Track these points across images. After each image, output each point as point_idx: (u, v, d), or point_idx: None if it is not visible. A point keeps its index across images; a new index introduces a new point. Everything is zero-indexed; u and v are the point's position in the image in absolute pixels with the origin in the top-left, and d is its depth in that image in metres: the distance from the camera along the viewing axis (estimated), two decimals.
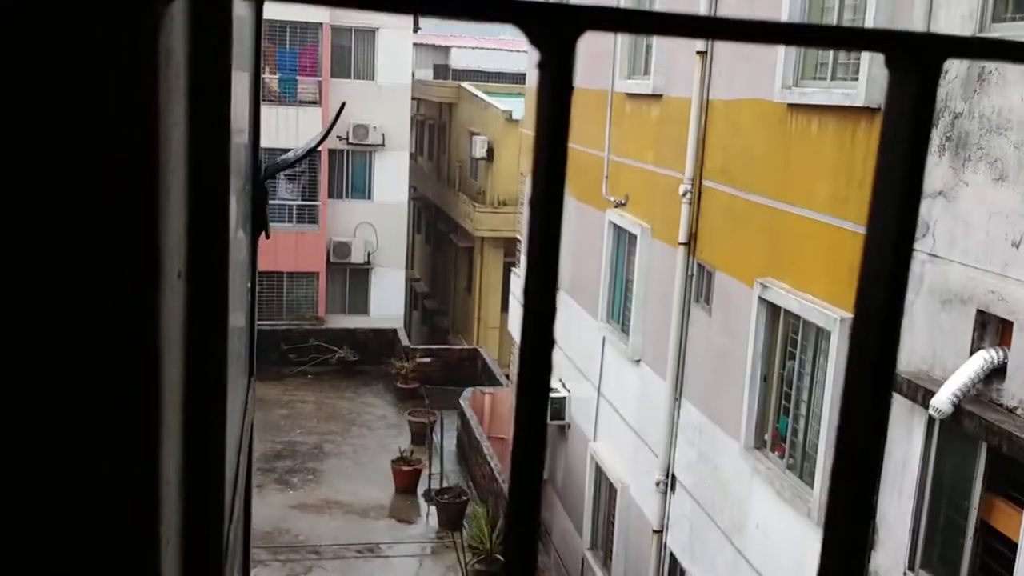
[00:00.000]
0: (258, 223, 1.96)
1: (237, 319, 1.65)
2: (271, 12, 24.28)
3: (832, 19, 8.20)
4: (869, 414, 0.45)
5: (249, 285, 2.00)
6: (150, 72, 0.51)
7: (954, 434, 6.49)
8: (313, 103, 25.34)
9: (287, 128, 24.48)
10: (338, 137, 25.83)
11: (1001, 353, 6.07)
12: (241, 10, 1.60)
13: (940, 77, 0.45)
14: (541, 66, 0.36)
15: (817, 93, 8.19)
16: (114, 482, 0.59)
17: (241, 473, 1.67)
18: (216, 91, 0.90)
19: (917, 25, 6.82)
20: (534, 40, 0.36)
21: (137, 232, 0.55)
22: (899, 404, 6.95)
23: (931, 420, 6.57)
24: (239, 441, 1.59)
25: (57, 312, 0.54)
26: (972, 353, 6.23)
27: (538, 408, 0.40)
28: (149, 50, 0.51)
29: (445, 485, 17.43)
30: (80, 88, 0.50)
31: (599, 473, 13.33)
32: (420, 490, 17.92)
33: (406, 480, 17.94)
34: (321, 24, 25.33)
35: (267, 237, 2.04)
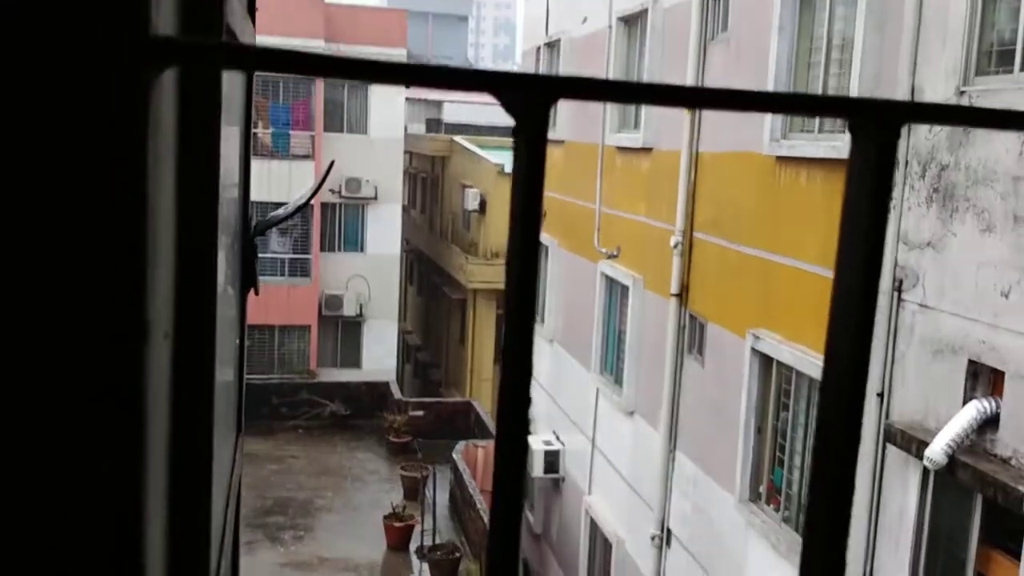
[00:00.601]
0: (247, 279, 1.97)
1: (225, 375, 1.65)
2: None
3: (819, 74, 8.32)
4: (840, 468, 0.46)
5: (238, 341, 2.00)
6: (139, 139, 0.52)
7: (949, 485, 6.46)
8: (306, 157, 25.51)
9: (280, 182, 24.61)
10: (331, 190, 25.96)
11: (994, 403, 6.07)
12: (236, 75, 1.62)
13: (899, 142, 0.47)
14: (515, 132, 0.37)
15: (805, 146, 8.28)
16: (97, 545, 0.58)
17: (228, 531, 1.65)
18: (204, 155, 0.92)
19: (902, 79, 6.92)
20: (508, 108, 0.37)
21: (123, 296, 0.55)
22: (893, 455, 6.92)
23: (926, 471, 6.54)
24: (226, 499, 1.57)
25: (42, 372, 0.55)
26: (965, 403, 6.23)
27: (517, 457, 0.40)
28: (139, 117, 0.52)
29: (438, 541, 17.21)
30: (68, 154, 0.51)
31: (594, 527, 13.20)
32: (412, 546, 17.69)
33: (398, 536, 17.71)
34: (314, 79, 25.60)
35: (256, 294, 2.04)
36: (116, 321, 0.55)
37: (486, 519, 16.34)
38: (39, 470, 0.56)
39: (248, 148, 2.03)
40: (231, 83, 1.59)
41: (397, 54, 26.74)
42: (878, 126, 0.46)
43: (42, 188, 0.51)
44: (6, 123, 0.50)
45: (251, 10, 2.01)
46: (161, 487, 0.83)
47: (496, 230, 25.42)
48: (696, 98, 0.43)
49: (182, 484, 0.93)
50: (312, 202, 25.14)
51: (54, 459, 0.56)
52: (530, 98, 0.36)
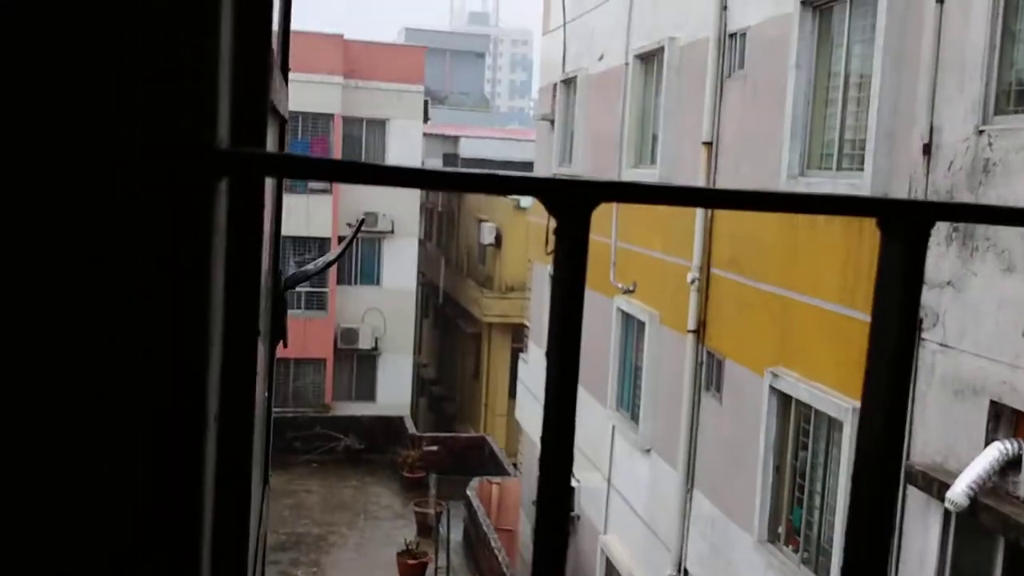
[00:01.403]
0: (277, 333, 1.98)
1: (258, 431, 1.65)
2: None
3: (836, 111, 8.32)
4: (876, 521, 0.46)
5: (266, 394, 2.00)
6: (204, 242, 0.58)
7: (971, 528, 6.36)
8: (324, 192, 25.69)
9: (298, 216, 24.77)
10: (348, 224, 26.10)
11: (1016, 444, 5.99)
12: (273, 138, 1.65)
13: (928, 240, 0.48)
14: (558, 233, 0.36)
15: (823, 183, 8.26)
16: None
17: None
18: (249, 251, 0.99)
19: (920, 118, 6.91)
20: (552, 210, 0.36)
21: (187, 381, 0.60)
22: (914, 496, 6.82)
23: (947, 513, 6.44)
24: (254, 556, 1.58)
25: (123, 466, 0.59)
26: (987, 444, 6.15)
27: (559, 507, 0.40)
28: (204, 223, 0.57)
29: None
30: (142, 261, 0.57)
31: (610, 567, 13.06)
32: None
33: (411, 573, 17.57)
34: (332, 115, 25.84)
35: (285, 346, 2.06)
36: (181, 408, 0.59)
37: (500, 557, 16.21)
38: (111, 560, 0.59)
39: (280, 201, 2.05)
40: (273, 139, 1.61)
41: (415, 90, 26.98)
42: (909, 225, 0.47)
43: (124, 292, 0.56)
44: (101, 229, 0.55)
45: (284, 70, 2.04)
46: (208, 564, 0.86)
47: (511, 264, 25.45)
48: (730, 200, 0.43)
49: (222, 556, 0.96)
50: (328, 235, 25.28)
51: (118, 549, 0.59)
52: (573, 203, 0.36)
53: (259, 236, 1.01)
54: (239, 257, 0.93)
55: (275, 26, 2.05)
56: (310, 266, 3.28)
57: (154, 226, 0.55)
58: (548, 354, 0.39)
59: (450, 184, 0.38)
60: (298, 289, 26.09)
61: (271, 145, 1.48)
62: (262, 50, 1.00)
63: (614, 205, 13.03)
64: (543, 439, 0.39)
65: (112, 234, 0.55)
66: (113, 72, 0.53)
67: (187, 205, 0.55)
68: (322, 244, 25.49)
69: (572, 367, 0.38)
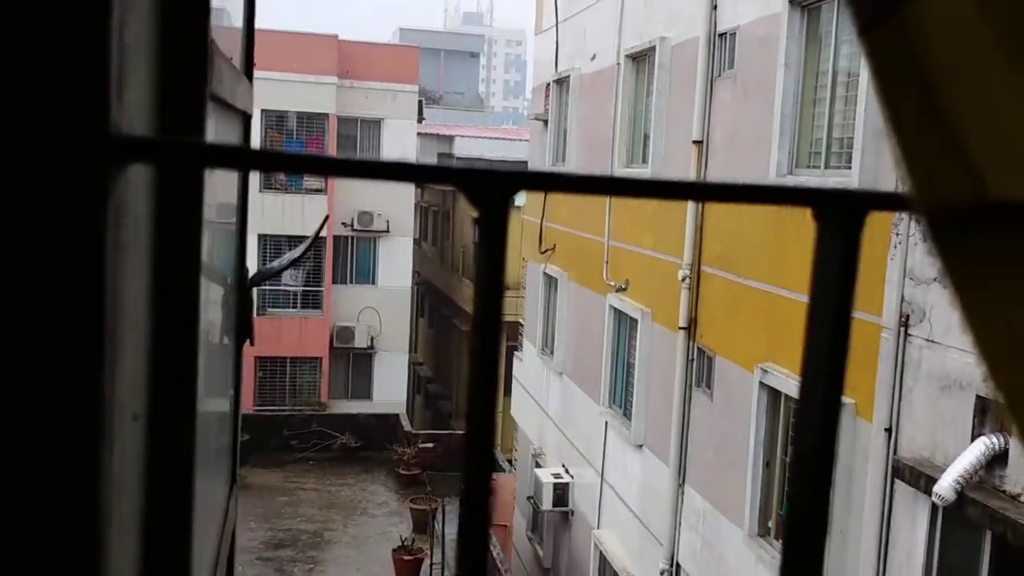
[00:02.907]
0: (243, 332, 2.02)
1: (218, 430, 1.68)
2: (278, 103, 24.82)
3: (824, 110, 8.40)
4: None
5: (232, 392, 2.04)
6: (96, 230, 0.54)
7: (958, 522, 6.43)
8: (319, 191, 25.70)
9: (293, 216, 24.78)
10: (343, 224, 26.12)
11: (1003, 439, 6.06)
12: (230, 133, 1.66)
13: (862, 230, 0.48)
14: (478, 223, 0.42)
15: (812, 181, 8.34)
16: None
17: None
18: (182, 244, 0.95)
19: None
20: (471, 200, 0.42)
21: (79, 380, 0.55)
22: (902, 491, 6.90)
23: (934, 507, 6.52)
24: (216, 552, 1.59)
25: None
26: (973, 439, 6.22)
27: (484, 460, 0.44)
28: (95, 218, 0.53)
29: (447, 575, 17.12)
30: (25, 246, 0.53)
31: (603, 561, 13.12)
32: None
33: (407, 570, 17.62)
34: (327, 115, 25.86)
35: (251, 344, 2.09)
36: (72, 401, 0.55)
37: (495, 553, 16.27)
38: None
39: (245, 193, 2.09)
40: (229, 134, 1.63)
41: (409, 90, 27.00)
42: (845, 214, 0.47)
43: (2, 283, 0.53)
44: None
45: (248, 68, 2.07)
46: (133, 567, 0.85)
47: (506, 263, 25.47)
48: (657, 190, 0.46)
49: (159, 560, 0.94)
50: (324, 234, 25.28)
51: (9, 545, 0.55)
52: (492, 192, 0.42)
53: (191, 228, 0.97)
54: (171, 249, 0.91)
55: (237, 23, 2.07)
56: (275, 264, 3.32)
57: (33, 213, 0.52)
58: (470, 349, 0.44)
59: (364, 173, 0.42)
60: (293, 288, 26.11)
61: (223, 140, 1.46)
62: (197, 39, 0.98)
63: (607, 204, 13.09)
64: (467, 416, 0.44)
65: None
66: None
67: (73, 192, 0.52)
68: (317, 243, 25.51)
69: (492, 360, 0.43)
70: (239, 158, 0.56)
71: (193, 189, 0.97)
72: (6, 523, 0.54)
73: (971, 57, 0.39)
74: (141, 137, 0.70)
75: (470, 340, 0.43)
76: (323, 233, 25.36)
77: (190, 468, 1.00)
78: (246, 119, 1.94)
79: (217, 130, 1.34)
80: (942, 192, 0.42)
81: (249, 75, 2.06)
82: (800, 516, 0.49)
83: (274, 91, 23.83)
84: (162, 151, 0.53)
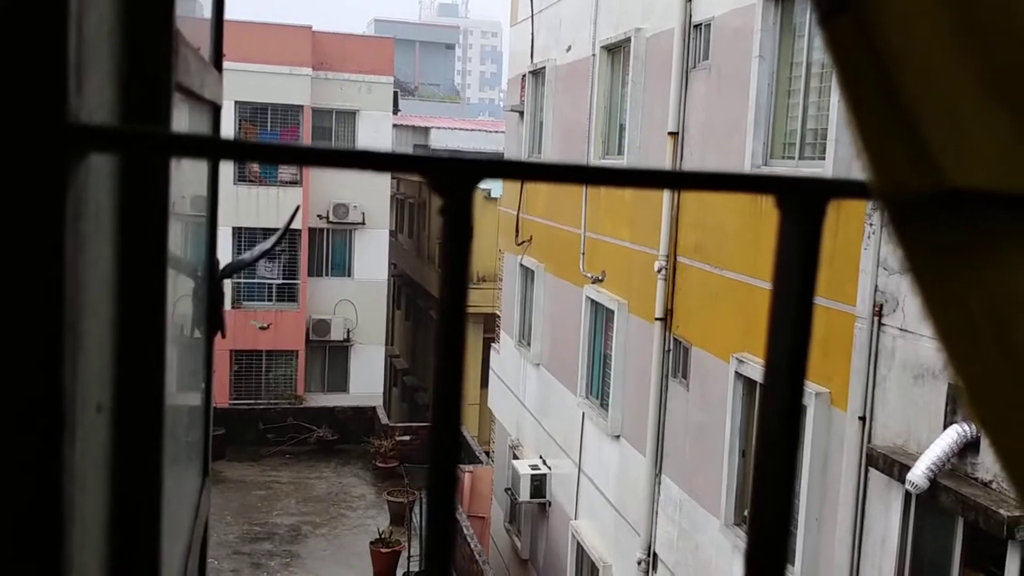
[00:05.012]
0: (213, 324, 2.00)
1: (188, 421, 1.67)
2: (253, 95, 24.65)
3: (799, 101, 8.44)
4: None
5: (204, 385, 2.03)
6: (54, 219, 0.53)
7: (931, 509, 6.50)
8: (294, 183, 25.56)
9: (268, 208, 24.64)
10: (318, 216, 26.00)
11: (974, 427, 6.13)
12: (200, 124, 1.65)
13: (824, 218, 0.48)
14: (443, 211, 0.42)
15: (786, 171, 8.38)
16: None
17: None
18: (147, 236, 0.94)
19: None
20: (435, 188, 0.41)
21: (35, 374, 0.55)
22: (875, 479, 6.97)
23: (908, 495, 6.58)
24: (187, 547, 1.58)
25: None
26: (946, 427, 6.28)
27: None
28: (54, 209, 0.53)
29: (424, 567, 17.12)
30: None
31: (581, 552, 13.17)
32: (399, 572, 17.60)
33: (385, 562, 17.61)
34: (302, 106, 25.71)
35: (223, 336, 2.07)
36: (32, 393, 0.55)
37: (472, 544, 16.29)
38: None
39: (216, 185, 2.07)
40: (198, 125, 1.62)
41: (384, 81, 26.88)
42: (806, 202, 0.47)
43: None
44: None
45: (217, 59, 2.05)
46: (99, 558, 0.83)
47: (482, 255, 25.47)
48: (619, 178, 0.46)
49: (127, 555, 0.93)
50: (299, 227, 25.17)
51: None
52: (455, 180, 0.41)
53: (156, 218, 0.95)
54: (136, 240, 0.90)
55: (205, 14, 2.06)
56: (246, 255, 3.30)
57: None
58: (435, 335, 0.43)
59: (328, 162, 0.42)
60: (269, 281, 25.97)
61: (191, 130, 1.45)
62: (161, 29, 0.97)
63: (583, 195, 13.10)
64: (432, 406, 0.44)
65: None
66: None
67: (30, 181, 0.52)
68: (292, 235, 25.38)
69: (458, 349, 0.42)
70: (203, 147, 0.55)
71: (158, 179, 0.95)
72: None
73: (927, 47, 0.39)
74: (100, 126, 0.69)
75: (436, 328, 0.43)
76: (298, 226, 25.24)
77: (158, 460, 0.99)
78: (215, 110, 1.92)
79: (184, 120, 1.33)
80: (901, 180, 0.42)
81: (218, 66, 2.04)
82: (765, 501, 0.48)
83: (248, 83, 23.65)
84: (122, 140, 0.52)
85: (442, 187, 0.41)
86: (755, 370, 8.70)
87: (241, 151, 0.41)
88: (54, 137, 0.52)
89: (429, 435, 0.44)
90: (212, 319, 1.96)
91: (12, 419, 0.54)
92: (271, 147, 0.41)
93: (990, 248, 0.41)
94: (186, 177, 1.38)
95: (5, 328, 0.53)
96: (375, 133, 26.70)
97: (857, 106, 0.43)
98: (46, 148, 0.51)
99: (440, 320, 0.42)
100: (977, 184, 0.40)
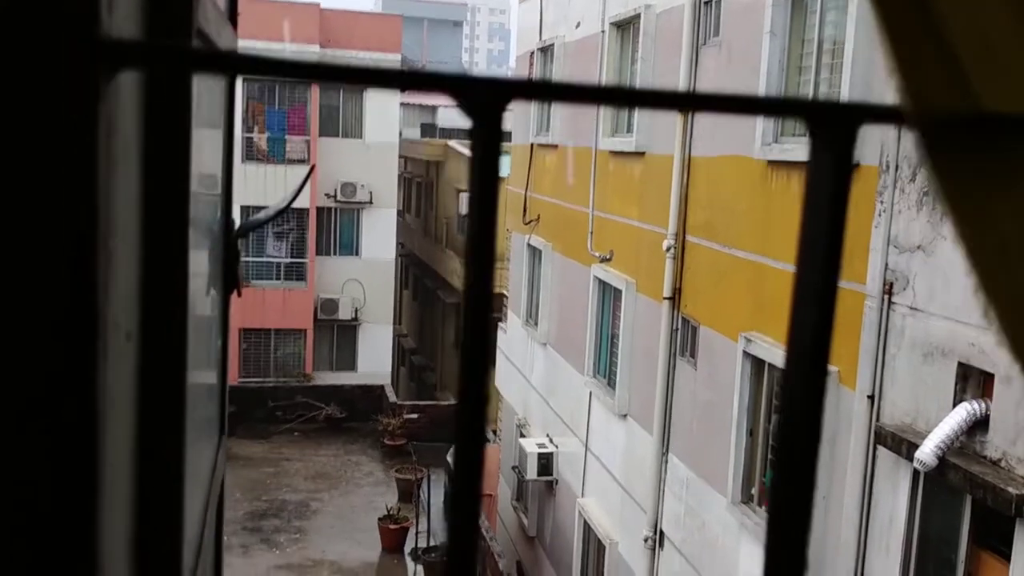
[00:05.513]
0: (229, 282, 2.00)
1: (206, 376, 1.66)
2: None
3: (810, 78, 8.38)
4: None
5: (220, 342, 2.02)
6: (88, 137, 0.53)
7: (939, 487, 6.50)
8: (301, 161, 25.53)
9: (276, 186, 24.63)
10: (326, 195, 25.99)
11: (984, 405, 6.11)
12: (214, 79, 1.64)
13: (856, 142, 0.47)
14: (471, 132, 0.41)
15: (796, 149, 8.33)
16: (48, 556, 0.56)
17: (209, 534, 1.66)
18: (172, 156, 0.93)
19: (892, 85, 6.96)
20: (465, 109, 0.40)
21: (72, 294, 0.55)
22: (884, 457, 6.96)
23: (916, 473, 6.58)
24: (205, 501, 1.58)
25: None
26: (955, 405, 6.27)
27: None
28: (88, 117, 0.53)
29: (433, 543, 17.23)
30: (12, 154, 0.52)
31: (587, 529, 13.23)
32: (407, 548, 17.71)
33: (393, 538, 17.73)
34: (309, 84, 25.60)
35: (239, 295, 2.07)
36: (64, 320, 0.55)
37: (480, 522, 16.36)
38: None
39: (231, 151, 2.06)
40: (212, 87, 1.61)
41: (392, 59, 26.79)
42: (835, 128, 0.45)
43: None
44: None
45: (232, 15, 2.04)
46: (124, 492, 0.83)
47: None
48: (653, 100, 0.45)
49: (151, 488, 0.92)
50: (307, 205, 25.16)
51: None
52: (484, 99, 0.40)
53: (180, 139, 0.95)
54: (159, 165, 0.89)
55: None
56: (260, 215, 3.29)
57: (24, 119, 0.51)
58: (465, 259, 0.42)
59: (352, 78, 0.40)
60: (277, 260, 26.00)
61: (209, 82, 1.44)
62: None
63: (592, 174, 13.06)
64: (462, 346, 0.42)
65: None
66: None
67: (65, 95, 0.51)
68: (300, 214, 25.39)
69: (488, 270, 0.41)
70: (226, 62, 0.55)
71: (181, 99, 0.95)
72: (5, 439, 0.54)
73: None
74: (131, 40, 0.69)
75: (464, 251, 0.42)
76: (306, 204, 25.23)
77: (181, 390, 0.98)
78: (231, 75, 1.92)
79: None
80: (935, 103, 0.42)
81: (233, 22, 2.04)
82: (786, 483, 0.47)
83: None
84: (152, 54, 0.52)
85: (472, 106, 0.40)
86: (764, 349, 8.69)
87: (268, 67, 0.41)
88: (88, 51, 0.52)
89: (459, 365, 0.43)
90: (228, 278, 1.97)
91: (47, 330, 0.54)
92: (301, 64, 0.41)
93: (1021, 170, 0.40)
94: (203, 145, 1.37)
95: (42, 244, 0.53)
96: (382, 111, 26.65)
97: (892, 28, 0.42)
98: (81, 61, 0.51)
99: (469, 242, 0.41)
100: (1009, 107, 0.39)
